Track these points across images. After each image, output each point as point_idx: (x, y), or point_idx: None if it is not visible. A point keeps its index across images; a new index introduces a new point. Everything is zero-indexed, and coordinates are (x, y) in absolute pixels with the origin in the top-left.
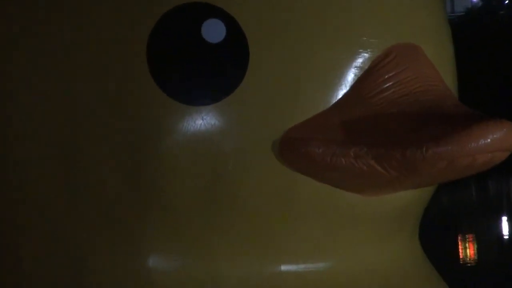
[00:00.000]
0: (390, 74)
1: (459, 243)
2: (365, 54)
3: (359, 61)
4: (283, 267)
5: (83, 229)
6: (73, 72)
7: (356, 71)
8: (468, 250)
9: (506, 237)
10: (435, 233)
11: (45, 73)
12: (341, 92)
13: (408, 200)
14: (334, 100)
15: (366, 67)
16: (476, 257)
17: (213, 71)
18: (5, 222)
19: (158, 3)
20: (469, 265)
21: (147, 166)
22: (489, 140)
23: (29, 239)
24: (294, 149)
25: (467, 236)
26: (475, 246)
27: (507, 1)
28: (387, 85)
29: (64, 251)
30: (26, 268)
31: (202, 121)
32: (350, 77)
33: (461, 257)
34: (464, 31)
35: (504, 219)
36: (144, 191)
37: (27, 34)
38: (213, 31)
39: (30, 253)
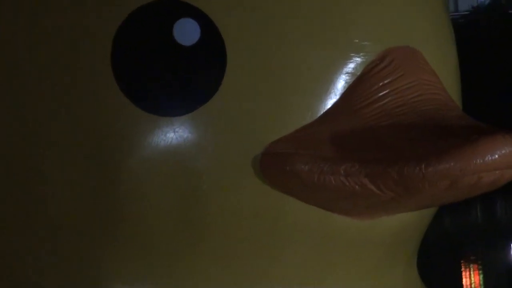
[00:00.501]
0: (385, 82)
1: (463, 271)
2: (357, 59)
3: (351, 66)
4: None
5: (41, 253)
6: (31, 76)
7: (347, 77)
8: (472, 279)
9: None
10: (436, 260)
11: (11, 88)
12: (330, 101)
13: (405, 223)
14: (322, 111)
15: (359, 73)
16: (480, 286)
17: (186, 77)
18: None
19: (124, 1)
20: None
21: (112, 184)
22: (496, 156)
23: None
24: (277, 165)
25: (471, 263)
26: (481, 274)
27: None
28: (382, 93)
29: (22, 274)
30: None
31: (174, 134)
32: (341, 84)
33: (464, 286)
34: (469, 32)
35: None
36: (110, 211)
37: None
38: (186, 32)
39: None
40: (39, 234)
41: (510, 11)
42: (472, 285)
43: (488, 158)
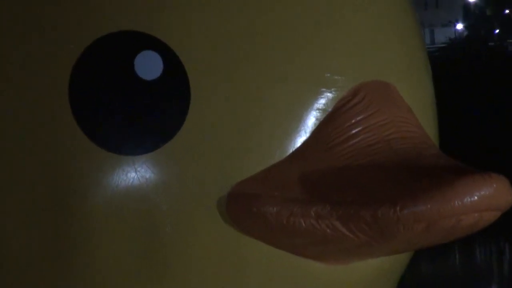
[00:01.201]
0: (358, 118)
1: None
2: (328, 94)
3: (321, 102)
4: None
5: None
6: None
7: (318, 114)
8: None
9: None
10: None
11: None
12: (300, 139)
13: (380, 269)
14: (292, 149)
15: (330, 109)
16: None
17: (148, 113)
18: None
19: (82, 31)
20: None
21: (69, 225)
22: (476, 197)
23: None
24: (244, 207)
25: None
26: None
27: (497, 31)
28: (355, 131)
29: None
30: None
31: (136, 173)
32: (311, 121)
33: None
34: (447, 65)
35: None
36: (65, 255)
37: None
38: (148, 65)
39: None
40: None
41: (491, 44)
42: None
43: (467, 199)
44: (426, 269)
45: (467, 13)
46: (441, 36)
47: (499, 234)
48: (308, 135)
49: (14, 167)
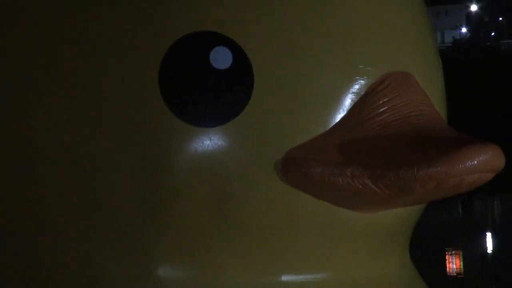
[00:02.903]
0: (385, 100)
1: (446, 257)
2: (361, 81)
3: (356, 87)
4: (284, 277)
5: (101, 242)
6: (91, 97)
7: (353, 96)
8: (454, 264)
9: (490, 252)
10: (425, 247)
11: (64, 98)
12: (339, 116)
13: (400, 217)
14: (333, 123)
15: (363, 93)
16: (461, 270)
17: (220, 95)
18: (28, 235)
19: (169, 31)
20: (455, 277)
21: (159, 184)
22: (475, 162)
23: (49, 251)
24: (295, 168)
25: (453, 250)
26: (461, 260)
27: (493, 33)
28: (382, 109)
29: (82, 261)
30: (46, 275)
31: (210, 142)
32: (348, 102)
33: (448, 270)
34: (453, 61)
35: (489, 235)
36: (157, 208)
37: (48, 57)
38: (221, 58)
39: (50, 265)
40: (102, 228)
41: (488, 43)
42: (455, 269)
43: (469, 163)
44: (436, 219)
45: (469, 20)
46: (450, 37)
47: (493, 192)
48: (345, 112)
49: (120, 139)
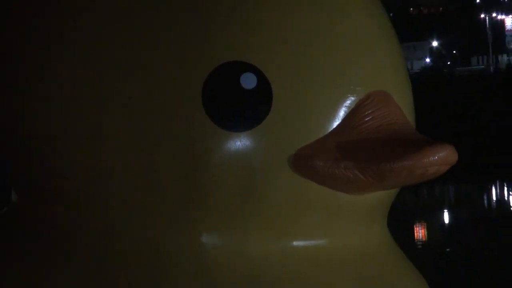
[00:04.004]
0: (369, 111)
1: (415, 228)
2: (352, 98)
3: (348, 102)
4: (295, 243)
5: (156, 218)
6: (153, 108)
7: (346, 109)
8: (420, 233)
9: (446, 223)
10: (399, 220)
11: (129, 107)
12: (336, 123)
13: (380, 197)
14: (331, 129)
15: (353, 106)
16: (425, 238)
17: (248, 108)
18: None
19: (211, 60)
20: (421, 243)
21: (201, 173)
22: (436, 157)
23: (112, 221)
24: (303, 163)
25: (420, 223)
26: (425, 230)
27: (449, 63)
28: (367, 119)
29: (139, 234)
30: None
31: (240, 142)
32: (342, 113)
33: (415, 237)
34: (420, 83)
35: (446, 212)
36: (199, 192)
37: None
38: (248, 81)
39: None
40: (158, 206)
41: (445, 70)
42: (421, 237)
43: (431, 158)
44: (408, 199)
45: (432, 53)
46: (417, 66)
47: (448, 179)
48: (340, 121)
49: (172, 139)
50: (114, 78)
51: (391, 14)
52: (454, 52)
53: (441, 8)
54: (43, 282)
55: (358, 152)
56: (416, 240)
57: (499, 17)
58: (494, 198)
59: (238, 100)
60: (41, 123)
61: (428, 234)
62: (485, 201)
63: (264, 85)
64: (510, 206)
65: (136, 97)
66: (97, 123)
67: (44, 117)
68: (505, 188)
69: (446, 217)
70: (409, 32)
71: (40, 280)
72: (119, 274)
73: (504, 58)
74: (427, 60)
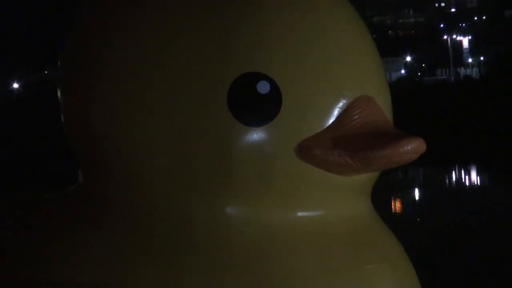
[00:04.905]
0: (357, 112)
1: (391, 201)
2: (344, 100)
3: (341, 104)
4: (299, 213)
5: (188, 191)
6: (189, 109)
7: (339, 109)
8: (396, 206)
9: (417, 198)
10: (379, 195)
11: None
12: (331, 121)
13: (366, 178)
14: (327, 125)
15: (344, 107)
16: (401, 210)
17: (263, 108)
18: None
19: (233, 71)
20: (397, 214)
21: (225, 160)
22: (409, 147)
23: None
24: (305, 151)
25: (396, 197)
26: (400, 203)
27: (419, 73)
28: (355, 117)
29: (173, 203)
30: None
31: (256, 135)
32: (336, 113)
33: (392, 209)
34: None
35: (417, 189)
36: (224, 175)
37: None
38: (263, 87)
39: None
40: (190, 182)
41: (417, 79)
42: (397, 209)
43: (406, 148)
44: (387, 179)
45: (406, 66)
46: (394, 76)
47: (418, 164)
48: (334, 119)
49: (202, 134)
50: (164, 90)
51: (374, 35)
52: (423, 65)
53: (413, 31)
54: (100, 241)
55: (348, 143)
56: (393, 212)
57: (458, 38)
58: (454, 179)
59: (255, 103)
60: (100, 122)
61: (402, 207)
62: (446, 181)
63: (275, 90)
64: (465, 184)
65: (180, 103)
66: (149, 124)
67: (106, 117)
68: (462, 171)
69: (416, 194)
70: (388, 49)
71: (98, 239)
72: (157, 239)
73: (462, 70)
74: (402, 71)
